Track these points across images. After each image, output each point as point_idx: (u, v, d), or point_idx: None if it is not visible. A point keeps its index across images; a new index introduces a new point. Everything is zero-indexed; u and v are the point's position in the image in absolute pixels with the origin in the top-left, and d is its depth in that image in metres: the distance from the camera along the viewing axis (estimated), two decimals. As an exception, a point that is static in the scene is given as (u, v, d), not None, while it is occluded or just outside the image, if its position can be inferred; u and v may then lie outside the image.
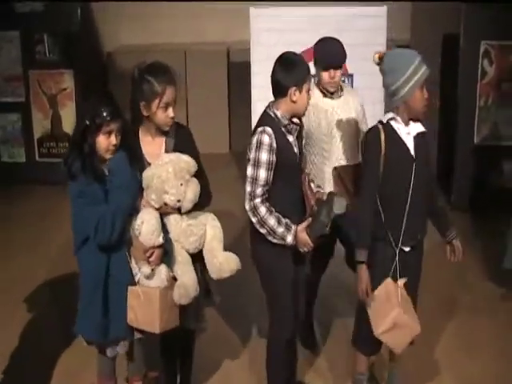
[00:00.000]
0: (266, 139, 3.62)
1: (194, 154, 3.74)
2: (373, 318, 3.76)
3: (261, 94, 6.14)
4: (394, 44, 8.47)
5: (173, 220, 3.68)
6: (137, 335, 3.70)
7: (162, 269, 3.58)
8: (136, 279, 3.58)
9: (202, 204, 3.75)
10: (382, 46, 6.69)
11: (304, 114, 3.82)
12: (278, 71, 3.69)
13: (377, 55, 3.72)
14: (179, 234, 3.69)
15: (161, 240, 3.52)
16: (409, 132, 3.72)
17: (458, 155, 7.26)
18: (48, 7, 7.99)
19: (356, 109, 4.53)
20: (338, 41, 4.57)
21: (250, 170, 3.65)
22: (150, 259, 3.53)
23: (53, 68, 8.16)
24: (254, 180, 3.62)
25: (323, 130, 4.44)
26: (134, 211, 3.54)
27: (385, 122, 3.71)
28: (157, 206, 3.57)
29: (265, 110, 3.76)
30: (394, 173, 3.69)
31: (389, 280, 3.75)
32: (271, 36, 6.90)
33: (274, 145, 3.62)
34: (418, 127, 3.75)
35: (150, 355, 4.02)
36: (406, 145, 3.71)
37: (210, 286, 3.92)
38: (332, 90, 4.45)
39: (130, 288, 3.58)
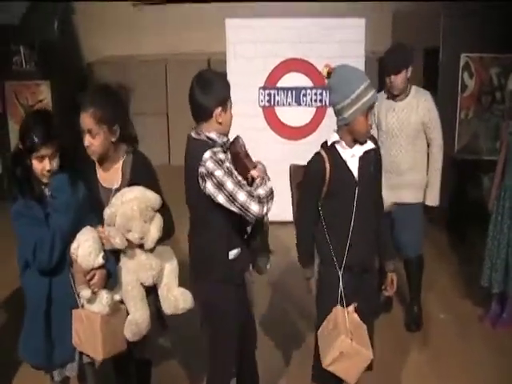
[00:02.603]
0: (221, 156, 3.36)
1: (155, 186, 3.60)
2: (321, 350, 3.56)
3: (238, 107, 6.11)
4: (376, 56, 8.44)
5: (131, 252, 3.53)
6: (85, 359, 3.56)
7: (104, 295, 3.43)
8: (80, 302, 3.44)
9: (163, 237, 3.57)
10: (360, 58, 6.65)
11: (228, 132, 3.54)
12: (198, 94, 3.40)
13: (326, 69, 3.52)
14: (137, 266, 3.54)
15: (100, 260, 3.38)
16: (353, 154, 3.56)
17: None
18: (25, 18, 7.88)
19: (419, 113, 4.90)
20: (400, 48, 5.01)
21: (229, 183, 3.31)
22: (91, 282, 3.38)
23: (29, 79, 8.10)
24: (238, 183, 3.32)
25: (383, 128, 4.97)
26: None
27: (329, 145, 3.55)
28: (121, 247, 3.43)
29: (193, 139, 3.47)
30: (337, 196, 3.55)
31: (337, 307, 3.57)
32: (247, 48, 6.84)
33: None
34: (365, 146, 3.58)
35: (102, 379, 3.88)
36: (349, 169, 3.55)
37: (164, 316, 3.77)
38: (394, 92, 4.91)
39: (74, 310, 3.44)
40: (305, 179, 3.65)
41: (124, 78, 8.37)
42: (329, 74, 3.52)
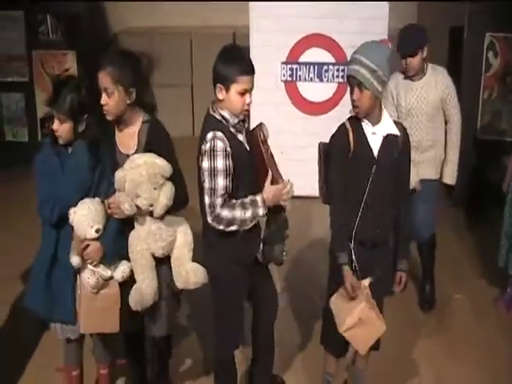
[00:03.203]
0: (219, 144, 3.34)
1: (169, 155, 3.59)
2: (337, 316, 3.60)
3: (260, 81, 6.14)
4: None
5: (142, 220, 3.55)
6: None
7: (85, 274, 3.49)
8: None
9: (175, 208, 3.59)
10: (383, 36, 6.59)
11: (240, 116, 3.46)
12: (215, 62, 3.40)
13: None
14: (147, 235, 3.55)
15: (92, 233, 3.43)
16: (374, 132, 3.53)
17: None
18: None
19: (438, 90, 4.90)
20: (415, 29, 5.02)
21: (206, 181, 3.36)
22: (84, 252, 3.45)
23: (56, 48, 8.16)
24: (213, 190, 3.35)
25: (402, 109, 4.96)
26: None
27: (353, 117, 3.56)
28: (130, 213, 3.46)
29: (208, 113, 3.48)
30: (352, 170, 3.54)
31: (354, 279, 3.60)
32: (270, 22, 6.83)
33: (228, 149, 3.36)
34: (388, 128, 3.56)
35: (110, 347, 3.95)
36: (369, 144, 3.53)
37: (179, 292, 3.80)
38: (410, 74, 4.92)
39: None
40: (332, 154, 3.63)
41: (149, 48, 8.17)
42: None
